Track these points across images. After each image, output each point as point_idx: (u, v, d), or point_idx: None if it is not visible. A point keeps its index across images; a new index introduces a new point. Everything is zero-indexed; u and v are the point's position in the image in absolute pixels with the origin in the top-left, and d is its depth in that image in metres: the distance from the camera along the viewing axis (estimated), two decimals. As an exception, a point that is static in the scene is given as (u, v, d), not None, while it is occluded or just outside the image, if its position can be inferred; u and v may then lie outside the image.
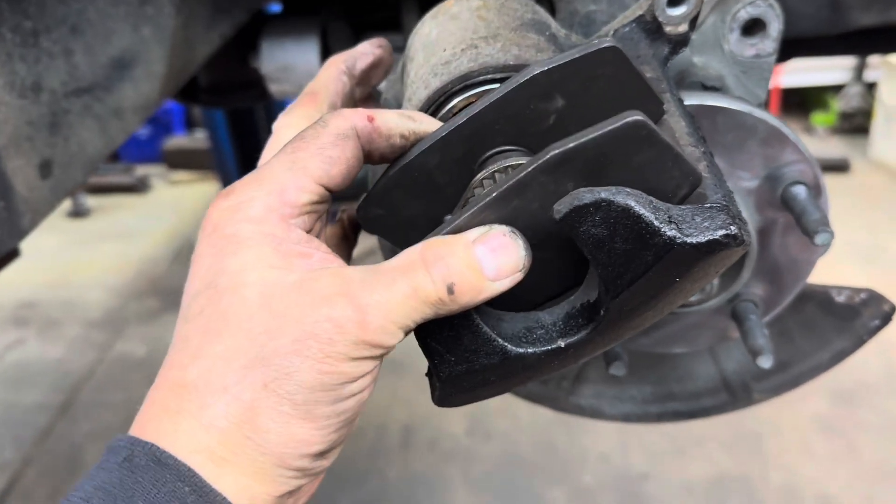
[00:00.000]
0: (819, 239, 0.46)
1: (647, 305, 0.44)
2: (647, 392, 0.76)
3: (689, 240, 0.40)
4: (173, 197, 4.84)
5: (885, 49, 0.93)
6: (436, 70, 0.47)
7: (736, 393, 0.76)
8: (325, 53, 0.97)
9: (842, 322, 0.70)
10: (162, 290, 3.57)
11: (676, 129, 0.44)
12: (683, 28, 0.48)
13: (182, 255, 3.90)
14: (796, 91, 4.84)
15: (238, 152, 3.25)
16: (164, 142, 5.12)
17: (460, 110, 0.47)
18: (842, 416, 2.49)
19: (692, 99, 0.51)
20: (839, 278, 2.81)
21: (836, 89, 4.59)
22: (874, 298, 0.69)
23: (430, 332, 0.47)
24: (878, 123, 4.09)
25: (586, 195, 0.40)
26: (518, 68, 0.45)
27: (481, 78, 0.46)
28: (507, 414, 2.62)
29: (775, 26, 0.50)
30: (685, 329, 0.63)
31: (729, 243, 0.40)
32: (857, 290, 0.69)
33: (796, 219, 0.51)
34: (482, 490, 2.34)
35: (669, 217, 0.40)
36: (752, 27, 0.51)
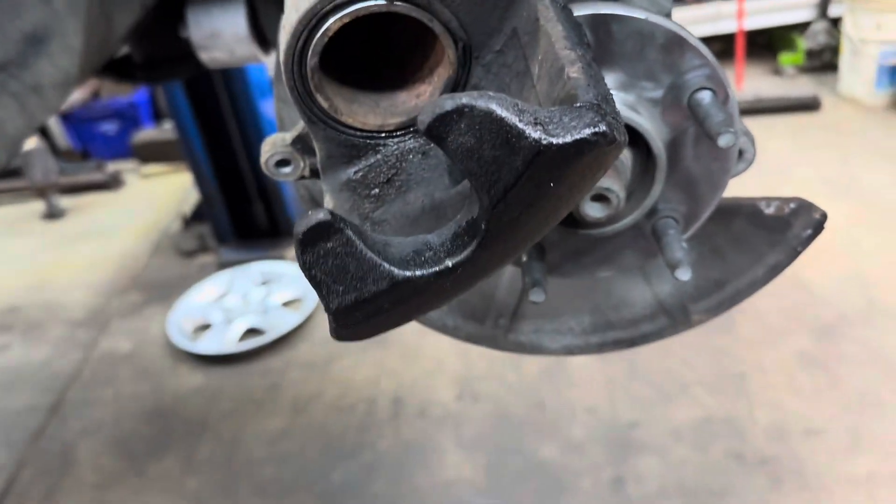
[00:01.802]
0: (722, 140, 0.45)
1: (528, 216, 0.43)
2: (586, 323, 0.76)
3: (555, 140, 0.39)
4: (147, 190, 4.80)
5: None
6: None
7: (675, 316, 0.76)
8: (253, 16, 0.96)
9: (773, 234, 0.69)
10: (143, 284, 3.56)
11: (553, 33, 0.44)
12: None
13: (161, 247, 3.87)
14: (762, 32, 4.82)
15: (205, 138, 3.22)
16: (133, 136, 5.06)
17: (336, 32, 0.45)
18: (824, 350, 2.51)
19: (585, 9, 0.50)
20: (880, 241, 2.78)
21: (802, 28, 4.58)
22: (804, 207, 0.68)
23: (315, 263, 0.46)
24: (844, 58, 4.08)
25: (447, 102, 0.39)
26: None
27: None
28: (494, 376, 2.63)
29: None
30: (611, 251, 0.63)
31: (598, 141, 0.39)
32: (786, 200, 0.68)
33: (700, 124, 0.50)
34: (474, 452, 2.36)
35: (535, 119, 0.39)
36: None
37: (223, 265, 3.44)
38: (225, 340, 2.94)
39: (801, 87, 4.42)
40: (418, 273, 0.45)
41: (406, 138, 0.50)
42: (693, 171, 0.57)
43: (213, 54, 0.97)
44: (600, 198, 0.51)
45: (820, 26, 4.41)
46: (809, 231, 0.68)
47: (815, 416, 2.28)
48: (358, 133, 0.50)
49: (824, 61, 4.46)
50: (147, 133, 5.09)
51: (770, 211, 0.68)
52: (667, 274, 0.71)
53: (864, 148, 3.63)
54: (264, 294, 3.19)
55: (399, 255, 0.45)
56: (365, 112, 0.49)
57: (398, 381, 2.69)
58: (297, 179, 0.56)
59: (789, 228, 0.68)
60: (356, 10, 0.44)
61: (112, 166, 5.06)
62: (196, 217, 3.75)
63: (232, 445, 2.51)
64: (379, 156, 0.50)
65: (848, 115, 4.01)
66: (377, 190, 0.52)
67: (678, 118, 0.54)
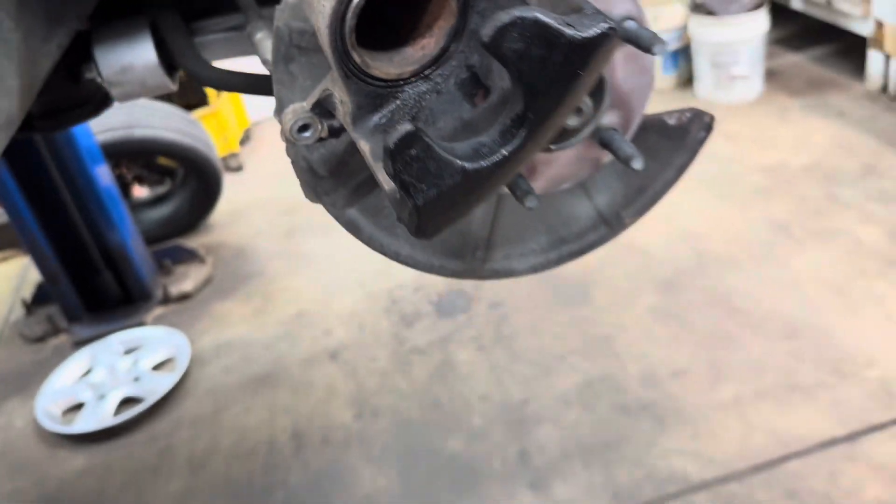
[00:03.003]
0: (657, 49, 0.59)
1: (560, 103, 0.55)
2: (544, 242, 0.89)
3: (584, 33, 0.52)
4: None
5: None
6: None
7: (611, 223, 0.90)
8: (161, 47, 1.01)
9: (677, 141, 0.85)
10: (-9, 382, 3.31)
11: None
12: None
13: (5, 339, 3.62)
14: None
15: (39, 214, 3.09)
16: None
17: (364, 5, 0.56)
18: (671, 302, 2.81)
19: None
20: (695, 201, 3.11)
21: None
22: (697, 115, 0.85)
23: (403, 168, 0.55)
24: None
25: (504, 16, 0.51)
26: None
27: None
28: (387, 388, 2.71)
29: None
30: (569, 166, 0.76)
31: (609, 34, 0.53)
32: (683, 111, 0.85)
33: (634, 43, 0.64)
34: (384, 463, 2.43)
35: (567, 23, 0.52)
36: None
37: (79, 343, 3.29)
38: (101, 416, 2.82)
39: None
40: (483, 164, 0.56)
41: (419, 83, 0.61)
42: (624, 87, 0.72)
43: (125, 89, 1.01)
44: (576, 109, 0.65)
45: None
46: (703, 133, 0.85)
47: (678, 359, 2.55)
48: (381, 83, 0.60)
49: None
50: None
51: (672, 122, 0.84)
52: (603, 186, 0.86)
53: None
54: (132, 362, 3.09)
55: (463, 153, 0.56)
56: (385, 65, 0.59)
57: (294, 416, 2.71)
58: (315, 141, 0.64)
59: (688, 134, 0.85)
60: None
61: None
62: (39, 299, 3.55)
63: (135, 516, 2.42)
64: (399, 101, 0.60)
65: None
66: None
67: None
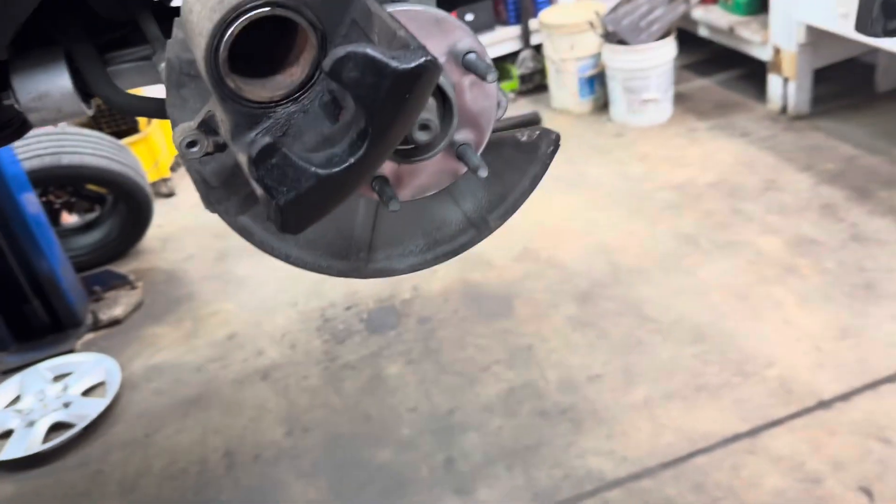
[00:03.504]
0: (490, 77, 0.72)
1: (394, 120, 0.66)
2: (421, 244, 1.00)
3: (406, 65, 0.64)
4: None
5: None
6: (214, 8, 0.66)
7: (479, 226, 1.02)
8: (76, 75, 1.10)
9: (529, 154, 0.99)
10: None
11: (383, 17, 0.69)
12: None
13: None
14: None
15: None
16: None
17: (238, 34, 0.66)
18: (588, 312, 2.96)
19: (392, 7, 0.76)
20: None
21: (513, 57, 5.24)
22: (545, 132, 0.98)
23: (266, 174, 0.66)
24: (551, 78, 4.76)
25: (340, 50, 0.63)
26: None
27: (249, 6, 0.66)
28: (318, 405, 2.79)
29: None
30: (431, 176, 0.88)
31: (427, 65, 0.64)
32: (533, 129, 0.98)
33: (474, 72, 0.77)
34: (315, 477, 2.50)
35: (392, 56, 0.64)
36: None
37: (6, 372, 3.27)
38: (30, 442, 2.82)
39: (522, 108, 5.06)
40: (334, 170, 0.67)
41: (289, 105, 0.72)
42: (473, 108, 0.84)
43: (41, 115, 1.09)
44: (424, 126, 0.76)
45: (526, 54, 5.08)
46: (552, 148, 0.98)
47: (594, 365, 2.70)
48: (255, 105, 0.70)
49: (536, 83, 5.12)
50: None
51: (524, 139, 0.98)
52: (468, 194, 0.98)
53: (581, 148, 4.26)
54: (61, 388, 3.09)
55: (318, 162, 0.67)
56: (257, 90, 0.70)
57: (225, 435, 2.75)
58: (202, 156, 0.74)
59: (538, 149, 0.98)
60: (253, 15, 0.65)
61: None
62: (-36, 330, 3.50)
63: (66, 539, 2.43)
64: (271, 119, 0.71)
65: (563, 123, 4.67)
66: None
67: (459, 74, 0.81)
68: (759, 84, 4.30)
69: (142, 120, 4.59)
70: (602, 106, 4.59)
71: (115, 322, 3.51)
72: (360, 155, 0.67)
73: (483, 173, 0.82)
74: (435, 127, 0.77)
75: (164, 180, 4.69)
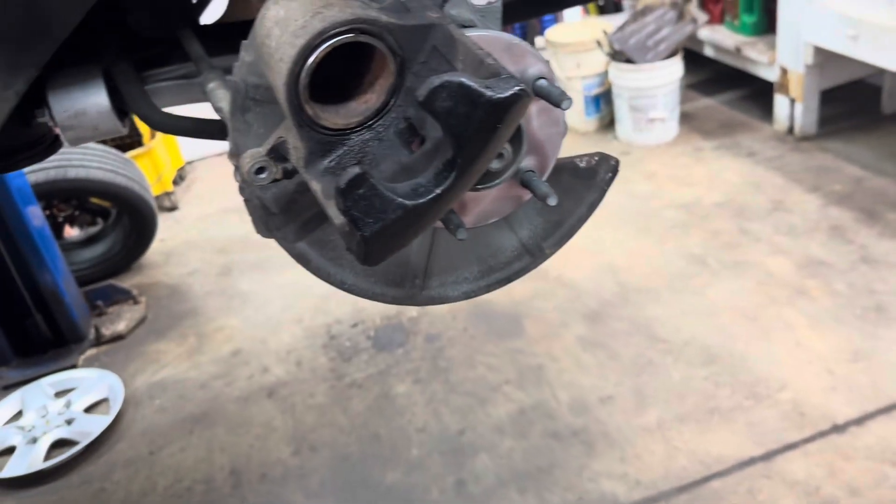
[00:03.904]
0: (565, 104, 0.71)
1: (483, 150, 0.66)
2: (475, 271, 0.99)
3: (500, 94, 0.63)
4: None
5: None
6: (297, 33, 0.64)
7: (534, 252, 1.00)
8: (113, 93, 1.08)
9: (587, 181, 0.97)
10: (-88, 430, 3.21)
11: (467, 43, 0.67)
12: None
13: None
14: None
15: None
16: None
17: (321, 61, 0.65)
18: (597, 331, 2.95)
19: (471, 32, 0.75)
20: (618, 236, 3.25)
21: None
22: (604, 158, 0.96)
23: (352, 205, 0.64)
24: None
25: (435, 80, 0.63)
26: (356, 21, 0.64)
27: (333, 31, 0.64)
28: (325, 423, 2.75)
29: None
30: (494, 203, 0.87)
31: (521, 94, 0.63)
32: (592, 155, 0.97)
33: (546, 98, 0.75)
34: (323, 497, 2.46)
35: (485, 85, 0.63)
36: None
37: (7, 388, 3.23)
38: (32, 459, 2.78)
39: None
40: (420, 201, 0.66)
41: (363, 132, 0.70)
42: (539, 136, 0.83)
43: (77, 133, 1.07)
44: (497, 154, 0.75)
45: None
46: (610, 174, 0.97)
47: (605, 386, 2.67)
48: (330, 132, 0.69)
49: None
50: None
51: (583, 165, 0.96)
52: (525, 220, 0.97)
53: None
54: (64, 405, 3.05)
55: (403, 192, 0.65)
56: (333, 117, 0.68)
57: (231, 453, 2.72)
58: (269, 182, 0.72)
59: (597, 175, 0.97)
60: (337, 41, 0.64)
61: None
62: (-35, 344, 3.46)
63: (69, 560, 2.39)
64: (345, 147, 0.70)
65: (569, 142, 4.66)
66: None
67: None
68: (764, 104, 4.31)
69: (145, 133, 4.58)
70: (608, 124, 4.59)
71: (117, 337, 3.47)
72: (447, 186, 0.66)
73: (552, 201, 0.81)
74: (508, 155, 0.76)
75: (168, 194, 4.66)
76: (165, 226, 4.39)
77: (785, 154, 3.96)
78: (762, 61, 4.11)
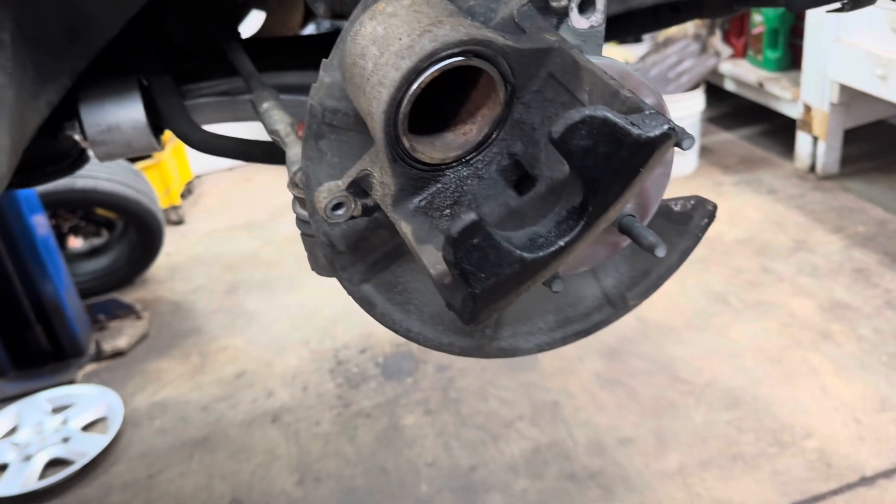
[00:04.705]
0: (686, 144, 0.62)
1: (619, 197, 0.56)
2: (551, 321, 0.89)
3: (649, 133, 0.54)
4: None
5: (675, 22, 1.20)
6: (401, 54, 0.56)
7: (616, 304, 0.90)
8: (150, 107, 1.00)
9: (681, 226, 0.86)
10: None
11: (595, 71, 0.58)
12: (564, 2, 0.62)
13: (-85, 397, 3.40)
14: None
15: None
16: None
17: (427, 84, 0.56)
18: (615, 369, 2.85)
19: (594, 59, 0.66)
20: None
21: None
22: (700, 202, 0.86)
23: (464, 257, 0.55)
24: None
25: (575, 114, 0.53)
26: (471, 42, 0.56)
27: (444, 53, 0.56)
28: (331, 453, 2.65)
29: (601, 3, 0.66)
30: (590, 249, 0.77)
31: (670, 134, 0.55)
32: (688, 199, 0.87)
33: None
34: (328, 531, 2.36)
35: (631, 122, 0.54)
36: (584, 5, 0.66)
37: (4, 400, 3.12)
38: (25, 479, 2.67)
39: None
40: (540, 254, 0.57)
41: (460, 168, 0.61)
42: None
43: (108, 149, 0.98)
44: None
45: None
46: (706, 220, 0.87)
47: (624, 426, 2.57)
48: (424, 167, 0.60)
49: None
50: None
51: (678, 208, 0.86)
52: (611, 268, 0.87)
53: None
54: (61, 421, 2.94)
55: (520, 244, 0.56)
56: (429, 149, 0.60)
57: (233, 481, 2.61)
58: (347, 220, 0.63)
59: (691, 220, 0.86)
60: (447, 65, 0.55)
61: None
62: (-39, 354, 3.36)
63: (59, 589, 2.28)
64: (439, 184, 0.61)
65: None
66: (448, 210, 0.62)
67: None
68: (785, 140, 4.25)
69: (156, 145, 4.50)
70: (625, 155, 4.52)
71: (118, 353, 3.37)
72: (572, 236, 0.56)
73: (661, 252, 0.70)
74: None
75: (175, 207, 4.58)
76: (171, 240, 4.30)
77: (806, 192, 3.88)
78: (785, 97, 4.05)
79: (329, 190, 0.62)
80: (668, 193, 0.82)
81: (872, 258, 3.30)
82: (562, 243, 0.57)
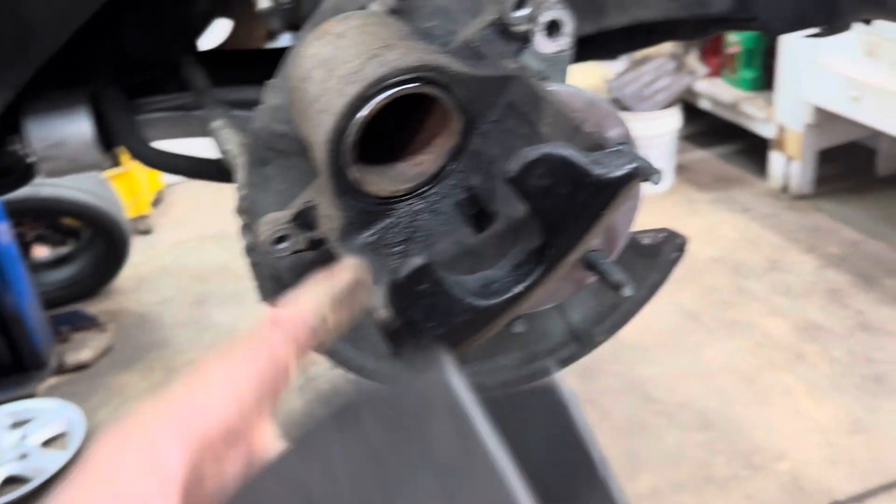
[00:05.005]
0: (655, 178, 0.58)
1: (579, 240, 0.53)
2: (515, 358, 0.85)
3: (612, 173, 0.50)
4: None
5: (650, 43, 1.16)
6: (348, 79, 0.52)
7: (583, 340, 0.87)
8: (100, 121, 0.94)
9: (650, 260, 0.83)
10: None
11: (556, 103, 0.54)
12: (526, 27, 0.58)
13: None
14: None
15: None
16: None
17: (378, 112, 0.52)
18: (589, 388, 2.82)
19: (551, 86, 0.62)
20: None
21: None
22: (671, 235, 0.83)
23: (410, 305, 0.51)
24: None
25: (531, 152, 0.49)
26: (423, 69, 0.52)
27: (394, 80, 0.52)
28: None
29: (569, 26, 0.62)
30: (554, 286, 0.73)
31: (637, 173, 0.51)
32: (657, 231, 0.83)
33: None
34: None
35: (593, 160, 0.50)
36: (552, 29, 0.63)
37: (-41, 414, 3.02)
38: (-21, 497, 2.58)
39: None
40: (493, 301, 0.52)
41: (413, 201, 0.57)
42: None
43: (54, 165, 0.93)
44: None
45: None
46: (677, 253, 0.83)
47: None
48: (374, 200, 0.56)
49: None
50: None
51: (647, 241, 0.82)
52: (577, 303, 0.83)
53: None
54: (19, 437, 2.85)
55: (473, 289, 0.51)
56: (379, 181, 0.55)
57: None
58: (290, 254, 0.59)
59: (661, 253, 0.83)
60: (397, 92, 0.51)
61: None
62: (-84, 365, 3.25)
63: None
64: (390, 219, 0.57)
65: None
66: (400, 247, 0.58)
67: None
68: (758, 159, 4.26)
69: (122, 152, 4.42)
70: (601, 171, 4.52)
71: (81, 366, 3.28)
72: (530, 282, 0.52)
73: (628, 292, 0.67)
74: None
75: (143, 217, 4.49)
76: (139, 250, 4.21)
77: (780, 212, 3.90)
78: (759, 117, 4.07)
79: (272, 222, 0.58)
80: (642, 211, 0.79)
81: (845, 279, 3.31)
82: (518, 289, 0.53)
